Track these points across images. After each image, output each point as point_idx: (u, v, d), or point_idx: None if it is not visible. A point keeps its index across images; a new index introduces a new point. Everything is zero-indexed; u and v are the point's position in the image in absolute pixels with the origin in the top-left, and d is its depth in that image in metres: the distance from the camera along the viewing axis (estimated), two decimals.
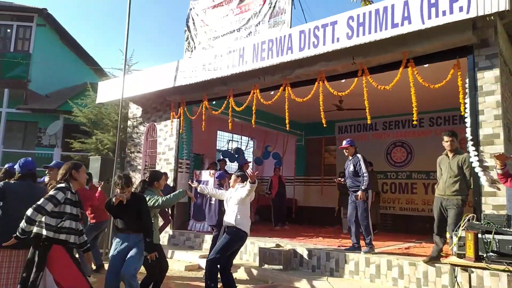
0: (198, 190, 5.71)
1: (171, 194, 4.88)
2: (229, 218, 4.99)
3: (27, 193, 3.98)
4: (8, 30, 16.65)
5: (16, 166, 4.21)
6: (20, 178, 4.12)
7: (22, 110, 15.89)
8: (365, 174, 6.37)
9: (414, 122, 6.14)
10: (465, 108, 5.68)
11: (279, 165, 12.04)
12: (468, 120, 5.62)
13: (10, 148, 15.80)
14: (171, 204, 4.96)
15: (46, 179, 4.99)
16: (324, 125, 6.99)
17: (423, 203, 10.41)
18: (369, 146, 11.34)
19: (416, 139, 10.80)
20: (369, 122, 6.65)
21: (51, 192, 3.55)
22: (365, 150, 11.11)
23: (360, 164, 6.44)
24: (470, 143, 5.56)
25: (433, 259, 5.45)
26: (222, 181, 6.87)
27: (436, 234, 5.44)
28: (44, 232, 3.49)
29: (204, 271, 5.04)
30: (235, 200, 4.98)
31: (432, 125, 10.56)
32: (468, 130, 5.60)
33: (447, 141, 5.37)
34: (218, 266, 4.86)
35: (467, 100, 5.65)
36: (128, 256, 4.16)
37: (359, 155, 6.58)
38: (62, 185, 3.63)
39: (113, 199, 4.26)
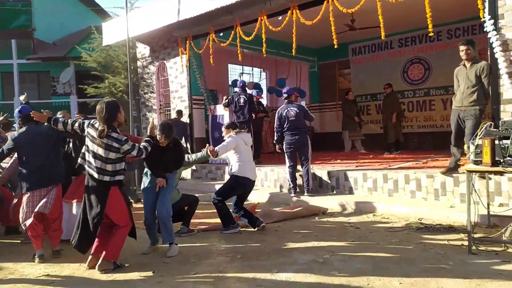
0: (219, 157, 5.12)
1: (197, 155, 4.97)
2: (230, 167, 5.07)
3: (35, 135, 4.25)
4: None
5: (16, 114, 4.47)
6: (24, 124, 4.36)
7: (32, 60, 15.89)
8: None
9: (431, 34, 5.89)
10: (484, 12, 5.35)
11: (302, 96, 11.93)
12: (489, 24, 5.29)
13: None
14: (193, 164, 5.00)
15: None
16: (336, 46, 6.86)
17: (442, 119, 10.30)
18: (384, 65, 11.10)
19: (434, 54, 10.43)
20: (383, 38, 6.35)
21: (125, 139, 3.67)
22: (381, 70, 11.05)
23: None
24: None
25: (451, 170, 5.51)
26: (290, 97, 6.88)
27: (454, 145, 5.44)
28: (116, 177, 3.71)
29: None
30: (231, 150, 5.02)
31: (450, 38, 10.11)
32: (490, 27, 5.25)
33: (462, 50, 5.14)
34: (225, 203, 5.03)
35: (486, 4, 5.31)
36: (161, 195, 4.24)
37: None
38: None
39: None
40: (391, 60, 11.13)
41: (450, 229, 4.66)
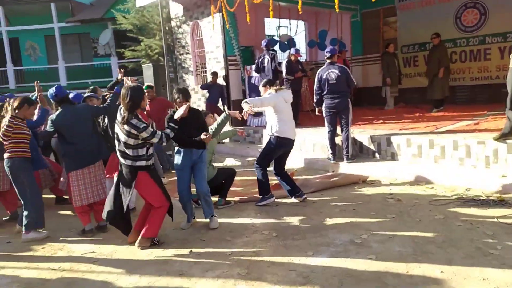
0: (254, 110, 4.76)
1: (217, 121, 4.84)
2: (269, 127, 4.91)
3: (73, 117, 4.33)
4: None
5: (50, 96, 4.40)
6: (60, 106, 4.38)
7: (72, 23, 16.09)
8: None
9: None
10: None
11: (343, 47, 11.32)
12: None
13: (70, 62, 16.46)
14: (219, 132, 4.93)
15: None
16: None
17: (498, 70, 9.40)
18: (435, 11, 10.09)
19: None
20: None
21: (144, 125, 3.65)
22: (431, 16, 10.20)
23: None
24: None
25: (505, 136, 5.06)
26: (333, 58, 6.37)
27: (509, 109, 4.94)
28: (137, 163, 3.74)
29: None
30: (271, 109, 4.84)
31: None
32: None
33: None
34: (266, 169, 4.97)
35: None
36: (196, 172, 4.30)
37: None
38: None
39: (177, 115, 4.09)
40: (442, 5, 9.96)
41: (501, 202, 4.35)
